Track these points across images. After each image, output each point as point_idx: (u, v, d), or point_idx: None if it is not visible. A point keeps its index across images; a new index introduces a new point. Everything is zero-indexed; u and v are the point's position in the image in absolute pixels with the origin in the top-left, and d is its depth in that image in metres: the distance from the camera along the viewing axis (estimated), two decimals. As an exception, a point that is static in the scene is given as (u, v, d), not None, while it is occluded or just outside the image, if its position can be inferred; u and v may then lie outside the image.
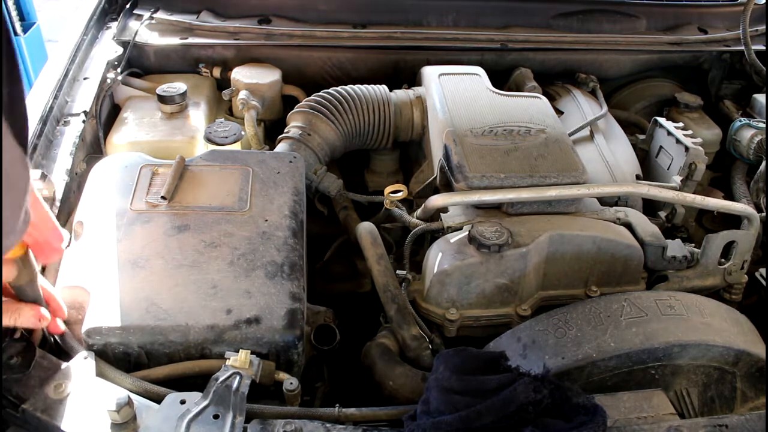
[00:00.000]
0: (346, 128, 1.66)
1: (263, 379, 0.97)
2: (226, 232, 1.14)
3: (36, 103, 1.47)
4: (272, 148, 1.64)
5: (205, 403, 0.89)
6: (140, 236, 1.12)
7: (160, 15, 1.95)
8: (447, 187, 1.41)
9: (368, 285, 1.58)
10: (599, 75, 2.03)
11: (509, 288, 1.26)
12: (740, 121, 1.85)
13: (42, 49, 3.32)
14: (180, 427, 0.85)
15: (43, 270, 1.13)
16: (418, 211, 1.42)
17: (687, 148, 1.59)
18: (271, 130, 1.91)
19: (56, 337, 1.00)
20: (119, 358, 0.98)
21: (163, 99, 1.65)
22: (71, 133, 1.44)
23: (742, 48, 1.94)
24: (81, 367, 0.94)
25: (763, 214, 1.54)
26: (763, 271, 1.52)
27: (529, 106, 1.58)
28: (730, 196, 1.79)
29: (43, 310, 0.93)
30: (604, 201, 1.46)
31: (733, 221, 1.44)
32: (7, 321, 0.91)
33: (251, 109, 1.73)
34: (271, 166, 1.32)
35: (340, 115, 1.66)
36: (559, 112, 1.87)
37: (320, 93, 1.70)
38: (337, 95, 1.68)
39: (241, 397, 0.90)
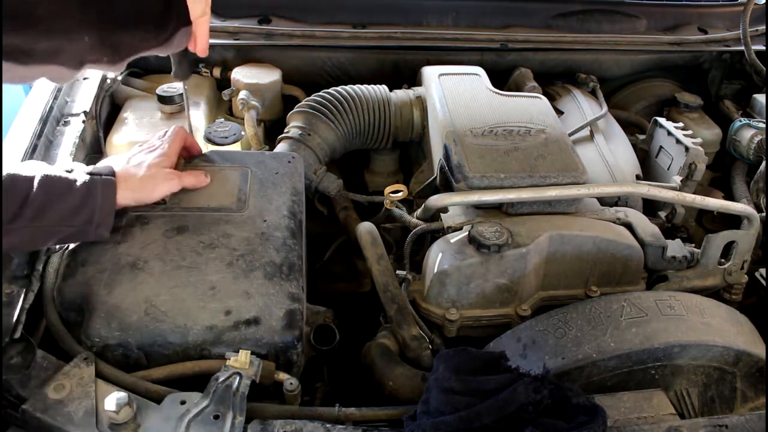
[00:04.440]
0: (346, 128, 1.66)
1: (263, 379, 0.97)
2: (225, 233, 1.14)
3: (36, 103, 1.47)
4: (272, 148, 1.64)
5: (205, 403, 0.89)
6: (139, 238, 1.11)
7: (160, 15, 1.95)
8: (447, 187, 1.41)
9: (368, 285, 1.58)
10: (599, 75, 2.03)
11: (509, 288, 1.26)
12: (740, 121, 1.85)
13: (42, 49, 3.32)
14: (180, 427, 0.85)
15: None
16: (418, 211, 1.41)
17: (687, 148, 1.59)
18: (271, 130, 1.91)
19: (56, 338, 1.00)
20: (118, 359, 0.98)
21: (163, 99, 1.65)
22: (71, 133, 1.44)
23: (742, 48, 1.94)
24: (81, 367, 0.94)
25: (763, 214, 1.54)
26: (763, 271, 1.51)
27: (529, 106, 1.58)
28: (730, 196, 1.79)
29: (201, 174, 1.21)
30: (604, 201, 1.46)
31: (733, 221, 1.44)
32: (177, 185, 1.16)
33: (251, 109, 1.72)
34: (270, 167, 1.32)
35: (340, 116, 1.65)
36: (559, 112, 1.87)
37: (320, 93, 1.70)
38: (337, 95, 1.68)
39: (241, 397, 0.90)
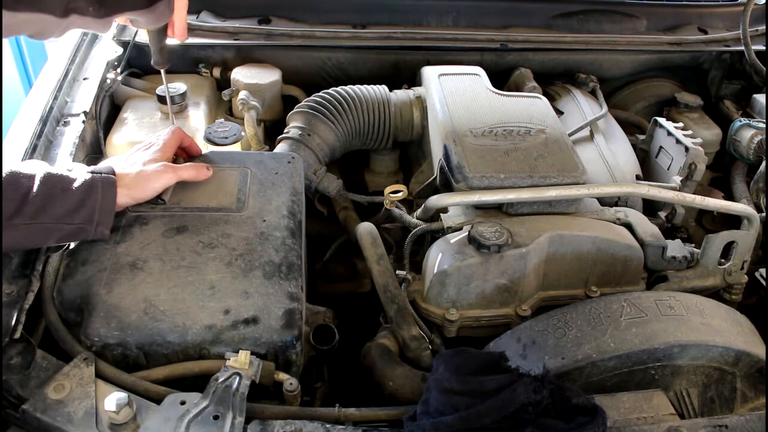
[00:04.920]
0: (345, 129, 1.66)
1: (263, 379, 0.97)
2: (224, 233, 1.14)
3: (36, 103, 1.47)
4: (272, 148, 1.64)
5: (205, 403, 0.89)
6: (138, 237, 1.12)
7: (160, 15, 1.95)
8: (447, 187, 1.41)
9: (368, 285, 1.58)
10: (599, 75, 2.03)
11: (509, 288, 1.26)
12: (740, 121, 1.85)
13: (42, 49, 3.33)
14: (180, 428, 0.85)
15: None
16: (418, 211, 1.41)
17: (687, 148, 1.59)
18: (271, 130, 1.91)
19: (56, 338, 1.00)
20: (117, 359, 0.98)
21: (162, 99, 1.65)
22: (71, 133, 1.44)
23: (742, 48, 1.94)
24: (81, 367, 0.94)
25: (763, 214, 1.54)
26: (763, 271, 1.51)
27: (529, 106, 1.58)
28: (730, 196, 1.79)
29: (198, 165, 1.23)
30: (604, 201, 1.46)
31: (733, 221, 1.44)
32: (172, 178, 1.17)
33: (251, 110, 1.72)
34: (269, 167, 1.32)
35: (340, 116, 1.65)
36: (559, 112, 1.87)
37: (320, 93, 1.70)
38: (337, 95, 1.68)
39: (241, 397, 0.90)
